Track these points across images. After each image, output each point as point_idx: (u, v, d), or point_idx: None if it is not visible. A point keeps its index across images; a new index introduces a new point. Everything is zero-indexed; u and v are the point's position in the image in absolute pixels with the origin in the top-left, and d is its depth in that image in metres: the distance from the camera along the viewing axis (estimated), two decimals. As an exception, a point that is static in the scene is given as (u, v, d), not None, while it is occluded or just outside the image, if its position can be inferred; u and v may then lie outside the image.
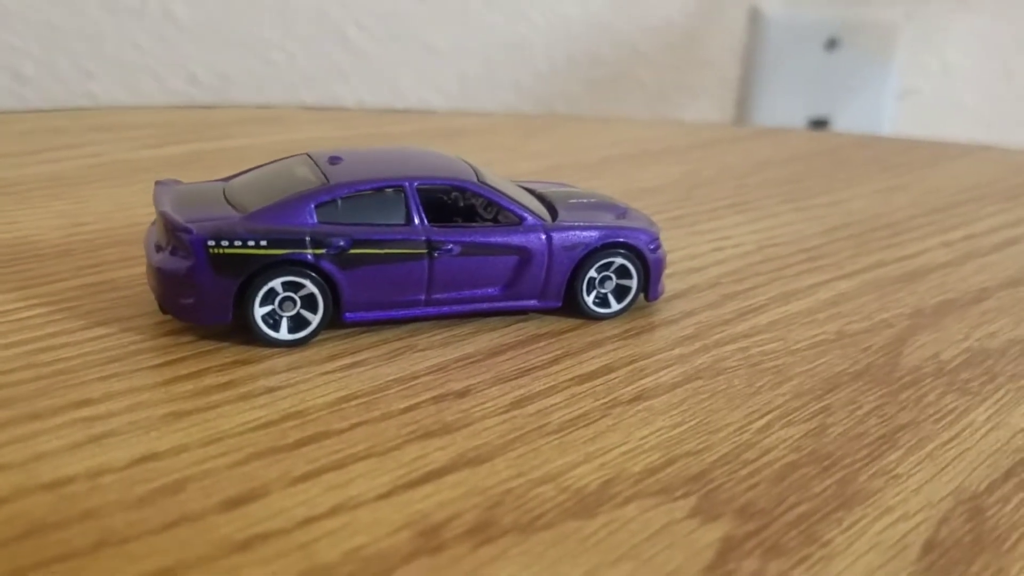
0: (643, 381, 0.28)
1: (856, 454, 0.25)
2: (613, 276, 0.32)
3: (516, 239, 0.31)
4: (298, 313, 0.28)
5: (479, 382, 0.27)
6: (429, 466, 0.23)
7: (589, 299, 0.32)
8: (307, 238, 0.28)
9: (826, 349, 0.31)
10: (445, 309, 0.31)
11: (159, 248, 0.29)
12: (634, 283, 0.32)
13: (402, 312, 0.30)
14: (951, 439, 0.26)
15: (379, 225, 0.29)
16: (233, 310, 0.28)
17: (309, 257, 0.28)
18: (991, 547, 0.21)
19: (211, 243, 0.27)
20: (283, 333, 0.28)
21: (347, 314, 0.29)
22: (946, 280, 0.38)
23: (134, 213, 0.37)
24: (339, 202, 0.29)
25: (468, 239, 0.30)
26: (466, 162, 0.33)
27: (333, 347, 0.29)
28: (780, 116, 0.99)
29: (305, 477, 0.22)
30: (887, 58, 1.03)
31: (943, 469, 0.24)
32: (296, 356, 0.28)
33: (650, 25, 0.90)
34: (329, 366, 0.28)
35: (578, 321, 0.32)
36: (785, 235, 0.43)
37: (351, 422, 0.25)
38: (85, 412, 0.24)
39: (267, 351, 0.28)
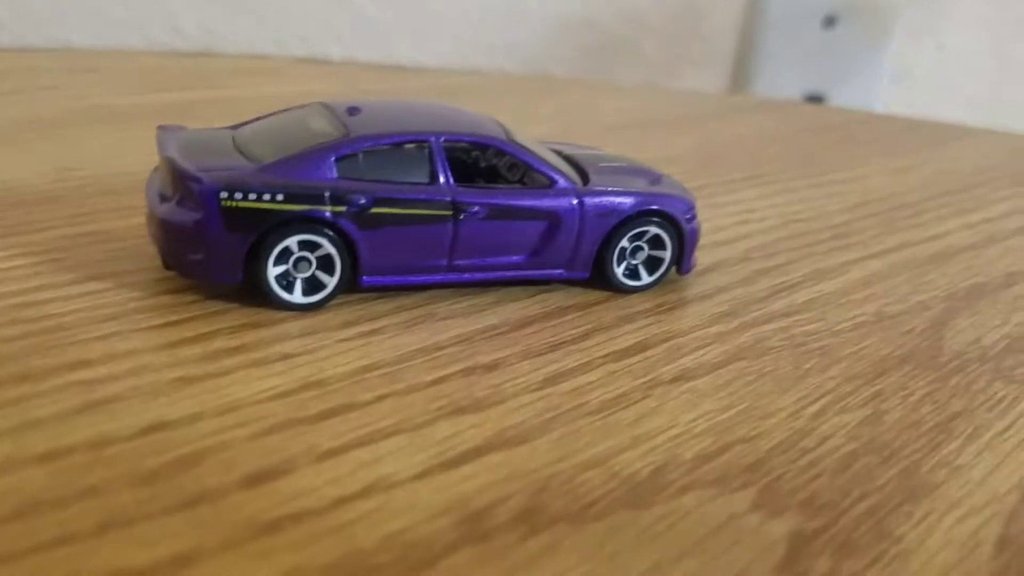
0: (683, 360, 0.26)
1: (915, 443, 0.23)
2: (645, 246, 0.30)
3: (546, 203, 0.29)
4: (313, 275, 0.26)
5: (508, 355, 0.25)
6: (464, 445, 0.21)
7: (619, 270, 0.30)
8: (326, 194, 0.26)
9: (868, 331, 0.29)
10: (467, 276, 0.29)
11: (164, 198, 0.26)
12: (667, 255, 0.30)
13: (423, 278, 0.28)
14: (1007, 428, 0.24)
15: (402, 183, 0.27)
16: (244, 269, 0.26)
17: (328, 215, 0.26)
18: (1070, 548, 0.20)
19: (223, 195, 0.25)
20: (297, 295, 0.26)
21: (365, 278, 0.27)
22: (974, 263, 0.37)
23: (127, 160, 0.34)
24: (361, 156, 0.27)
25: (496, 201, 0.28)
26: (494, 119, 0.30)
27: (349, 313, 0.27)
28: (776, 91, 0.97)
29: (332, 453, 0.20)
30: (885, 38, 1.02)
31: (1004, 460, 0.23)
32: (311, 320, 0.26)
33: (651, -7, 0.88)
34: (346, 332, 0.25)
35: (605, 293, 0.30)
36: (808, 211, 0.41)
37: (376, 394, 0.23)
38: (82, 374, 0.22)
39: (279, 314, 0.26)
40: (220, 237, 0.25)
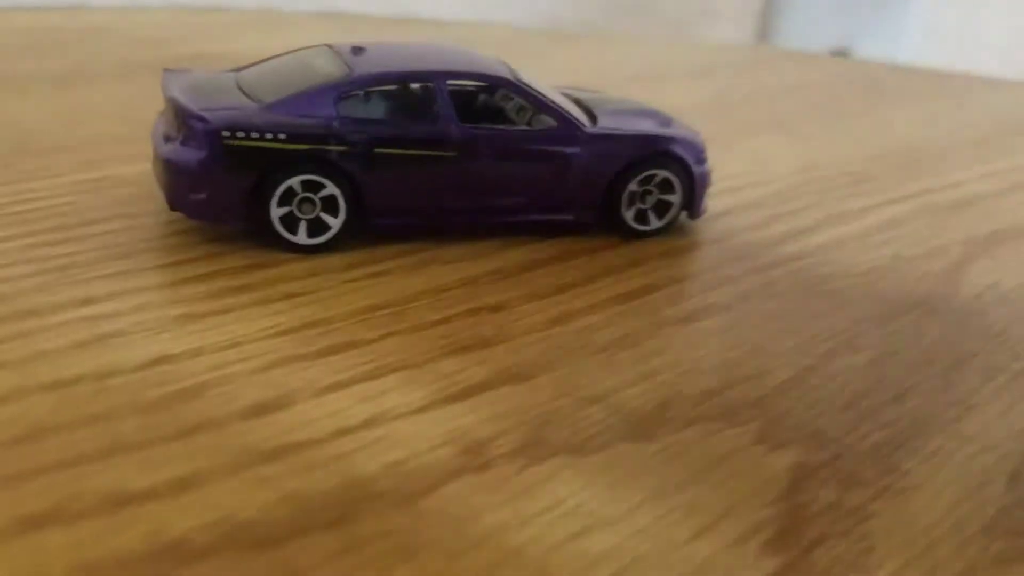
0: (691, 302, 0.26)
1: (928, 382, 0.23)
2: (655, 190, 0.30)
3: (553, 144, 0.28)
4: (318, 216, 0.26)
5: (514, 297, 0.25)
6: (468, 381, 0.21)
7: (629, 214, 0.29)
8: (330, 134, 0.26)
9: (883, 274, 0.29)
10: (475, 218, 0.28)
11: (168, 139, 0.26)
12: (677, 199, 0.30)
13: (429, 220, 0.28)
14: None
15: (407, 123, 0.27)
16: (248, 209, 0.26)
17: (331, 154, 0.26)
18: (1081, 484, 0.19)
19: (226, 133, 0.25)
20: (301, 237, 0.26)
21: (375, 219, 0.27)
22: (994, 210, 0.36)
23: (137, 111, 0.34)
24: (363, 95, 0.27)
25: (502, 142, 0.28)
26: (501, 61, 0.30)
27: (354, 255, 0.27)
28: (801, 45, 0.96)
29: (334, 387, 0.20)
30: (913, -9, 1.00)
31: (1020, 400, 0.23)
32: (315, 262, 0.26)
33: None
34: (351, 274, 0.25)
35: (613, 238, 0.30)
36: (826, 158, 0.41)
37: (380, 332, 0.22)
38: (89, 310, 0.22)
39: (283, 256, 0.26)
40: (222, 176, 0.25)
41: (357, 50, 0.28)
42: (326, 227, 0.26)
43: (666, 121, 0.31)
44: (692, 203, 0.30)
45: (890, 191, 0.37)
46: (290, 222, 0.26)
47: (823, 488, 0.18)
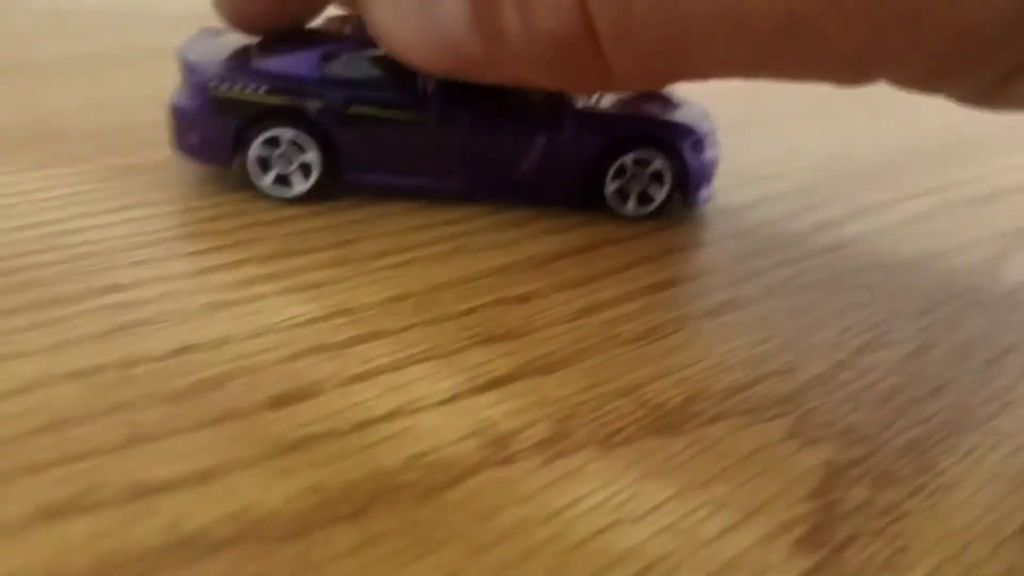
0: (719, 294, 0.25)
1: (964, 378, 0.22)
2: (641, 174, 0.29)
3: (534, 120, 0.28)
4: (298, 168, 0.28)
5: (542, 287, 0.25)
6: (493, 372, 0.21)
7: (611, 193, 0.29)
8: (308, 90, 0.27)
9: (915, 267, 0.28)
10: (453, 187, 0.29)
11: (178, 89, 0.28)
12: (664, 185, 0.29)
13: (406, 182, 0.28)
14: (1064, 368, 0.23)
15: (386, 87, 0.27)
16: (234, 154, 0.27)
17: (309, 110, 0.27)
18: (1126, 486, 0.19)
19: (212, 84, 0.27)
20: (273, 185, 0.28)
21: (347, 175, 0.28)
22: (1023, 205, 0.35)
23: (164, 98, 0.34)
24: (346, 57, 0.27)
25: (482, 113, 0.28)
26: None
27: (380, 243, 0.26)
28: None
29: (360, 377, 0.20)
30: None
31: (1059, 399, 0.22)
32: (342, 251, 0.26)
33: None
34: (377, 263, 0.25)
35: (643, 227, 0.29)
36: (856, 148, 0.40)
37: (406, 322, 0.22)
38: (114, 298, 0.22)
39: (311, 243, 0.26)
40: (210, 123, 0.27)
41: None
42: (304, 180, 0.28)
43: (670, 104, 0.30)
44: (687, 191, 0.29)
45: (922, 182, 0.36)
46: (272, 173, 0.28)
47: (856, 486, 0.18)
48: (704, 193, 0.30)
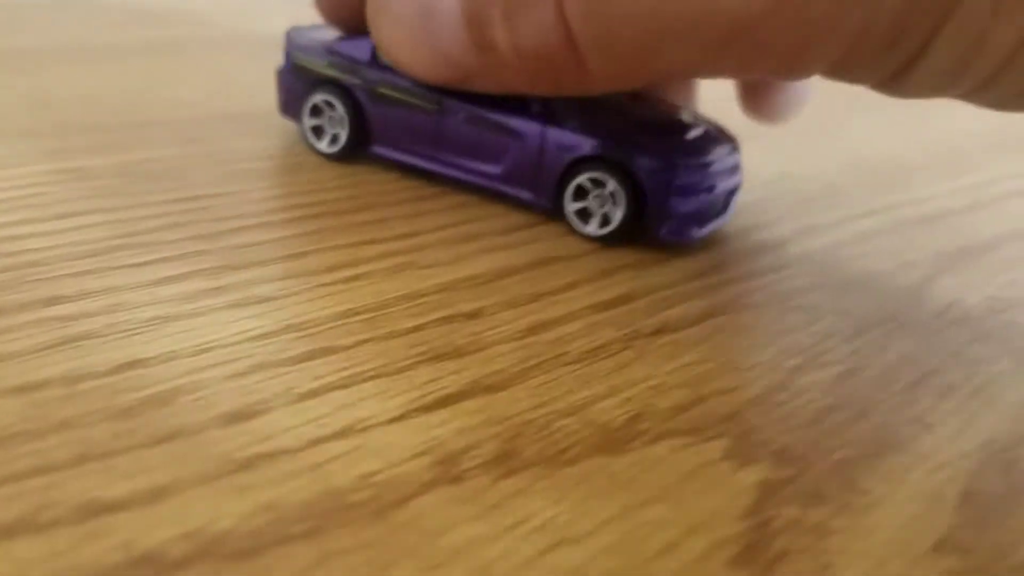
0: (666, 313, 0.26)
1: (889, 400, 0.23)
2: (601, 194, 0.29)
3: (513, 123, 0.30)
4: (336, 132, 0.33)
5: (490, 304, 0.25)
6: (443, 391, 0.21)
7: (571, 209, 0.30)
8: (355, 68, 0.32)
9: (852, 289, 0.29)
10: (451, 171, 0.32)
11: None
12: (620, 208, 0.29)
13: (416, 160, 0.32)
14: (980, 388, 0.25)
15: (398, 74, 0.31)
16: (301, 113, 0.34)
17: (350, 85, 0.32)
18: (1033, 504, 0.20)
19: (294, 53, 0.34)
20: (322, 144, 0.34)
21: (374, 146, 0.33)
22: (961, 226, 0.37)
23: (107, 98, 0.34)
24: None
25: (472, 109, 0.30)
26: None
27: (330, 258, 0.27)
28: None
29: (310, 395, 0.20)
30: None
31: (973, 418, 0.23)
32: (292, 265, 0.26)
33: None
34: (327, 278, 0.25)
35: (591, 245, 0.30)
36: (803, 168, 0.41)
37: (356, 338, 0.23)
38: (58, 310, 0.22)
39: (261, 257, 0.26)
40: (290, 84, 0.34)
41: None
42: (334, 144, 0.33)
43: (677, 127, 0.30)
44: (653, 220, 0.29)
45: (863, 204, 0.37)
46: (319, 132, 0.34)
47: (787, 505, 0.19)
48: (682, 227, 0.29)
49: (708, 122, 0.32)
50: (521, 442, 0.20)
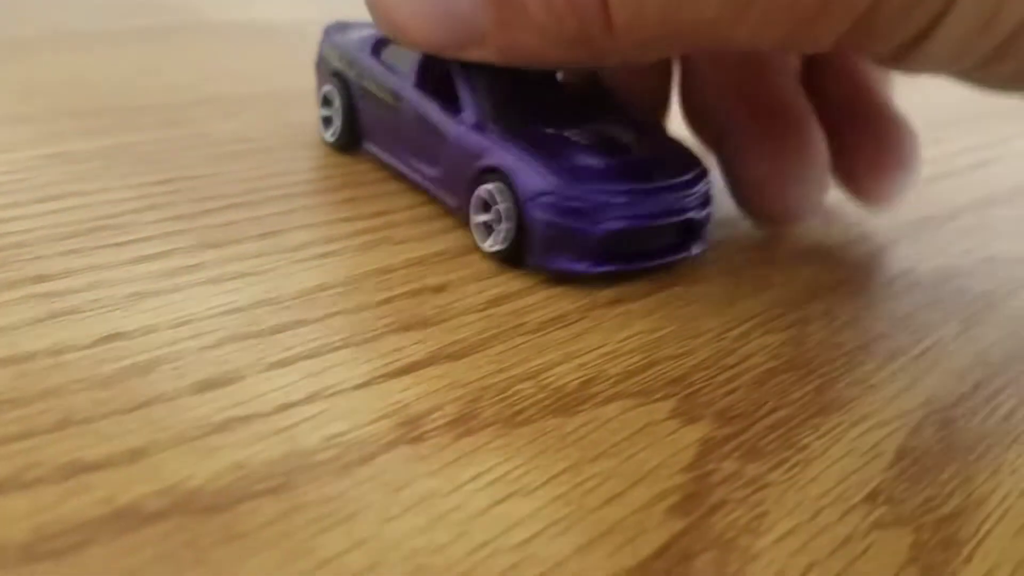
0: (621, 286, 0.27)
1: (833, 363, 0.25)
2: (498, 210, 0.27)
3: (445, 124, 0.29)
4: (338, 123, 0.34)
5: (456, 279, 0.27)
6: (408, 358, 0.22)
7: (473, 221, 0.28)
8: (355, 62, 0.33)
9: (805, 259, 0.31)
10: (407, 171, 0.31)
11: None
12: (504, 225, 0.27)
13: (386, 157, 0.32)
14: (923, 352, 0.26)
15: (388, 70, 0.32)
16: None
17: (346, 75, 0.33)
18: (960, 456, 0.22)
19: (322, 45, 0.35)
20: (327, 134, 0.35)
21: (364, 141, 0.33)
22: (922, 197, 0.38)
23: (96, 84, 0.35)
24: (385, 44, 0.33)
25: (417, 106, 0.30)
26: None
27: (303, 235, 0.28)
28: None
29: (281, 364, 0.21)
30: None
31: (916, 381, 0.25)
32: (267, 243, 0.27)
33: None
34: (301, 254, 0.27)
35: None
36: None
37: (327, 311, 0.24)
38: (43, 287, 0.23)
39: (236, 235, 0.27)
40: (318, 75, 0.36)
41: None
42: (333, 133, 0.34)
43: (607, 148, 0.27)
44: (524, 244, 0.26)
45: (822, 178, 0.39)
46: (328, 122, 0.35)
47: (727, 460, 0.20)
48: (554, 258, 0.26)
49: (667, 147, 0.29)
50: (480, 405, 0.21)
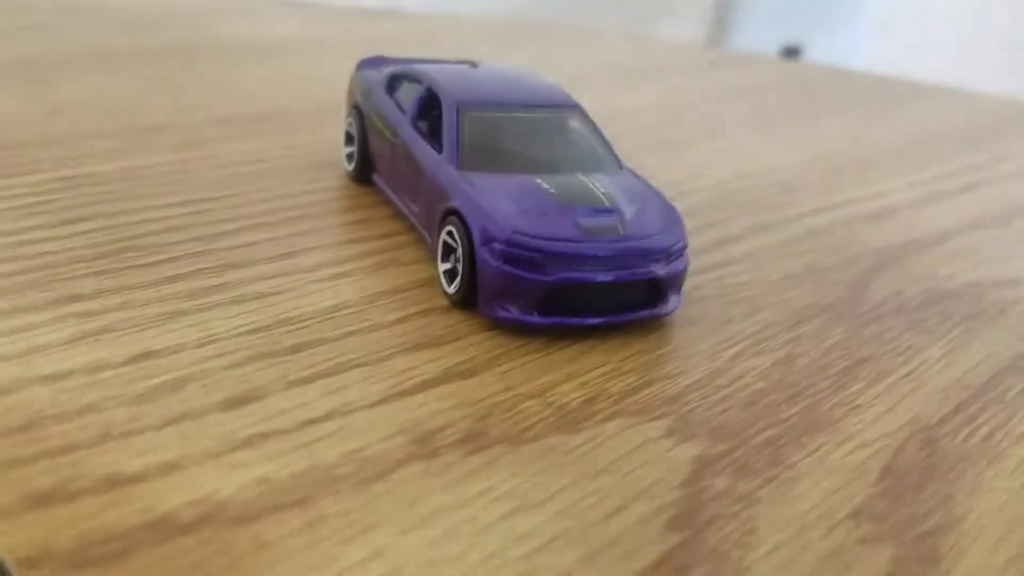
0: (623, 305, 0.29)
1: (820, 384, 0.26)
2: (450, 257, 0.27)
3: (426, 164, 0.29)
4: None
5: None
6: (420, 377, 0.24)
7: (441, 268, 0.28)
8: (369, 99, 0.34)
9: (796, 282, 0.32)
10: (398, 203, 0.32)
11: None
12: (461, 268, 0.26)
13: (387, 191, 0.33)
14: (908, 374, 0.27)
15: (396, 107, 0.33)
16: None
17: (363, 108, 0.34)
18: (941, 475, 0.23)
19: (352, 79, 0.37)
20: (350, 164, 0.36)
21: (372, 173, 0.34)
22: (912, 220, 0.40)
23: (113, 104, 0.36)
24: (400, 83, 0.34)
25: (409, 143, 0.31)
26: (542, 86, 0.31)
27: (319, 256, 0.29)
28: (754, 42, 0.99)
29: (302, 381, 0.23)
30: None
31: (900, 402, 0.26)
32: (284, 263, 0.28)
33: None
34: (317, 275, 0.28)
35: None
36: (760, 166, 0.44)
37: (343, 331, 0.25)
38: (78, 307, 0.24)
39: (256, 255, 0.28)
40: (347, 107, 0.37)
41: (474, 65, 0.34)
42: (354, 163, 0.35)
43: (600, 207, 0.26)
44: (473, 290, 0.26)
45: (816, 200, 0.40)
46: (349, 157, 0.36)
47: (719, 476, 0.22)
48: (499, 306, 0.25)
49: (644, 199, 0.28)
50: (489, 422, 0.22)
